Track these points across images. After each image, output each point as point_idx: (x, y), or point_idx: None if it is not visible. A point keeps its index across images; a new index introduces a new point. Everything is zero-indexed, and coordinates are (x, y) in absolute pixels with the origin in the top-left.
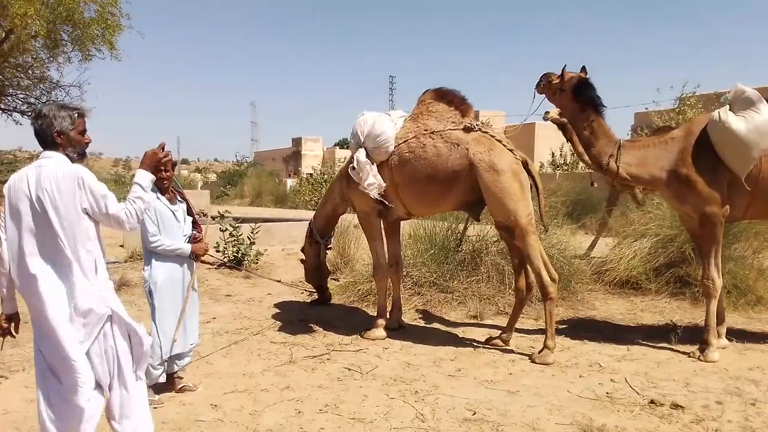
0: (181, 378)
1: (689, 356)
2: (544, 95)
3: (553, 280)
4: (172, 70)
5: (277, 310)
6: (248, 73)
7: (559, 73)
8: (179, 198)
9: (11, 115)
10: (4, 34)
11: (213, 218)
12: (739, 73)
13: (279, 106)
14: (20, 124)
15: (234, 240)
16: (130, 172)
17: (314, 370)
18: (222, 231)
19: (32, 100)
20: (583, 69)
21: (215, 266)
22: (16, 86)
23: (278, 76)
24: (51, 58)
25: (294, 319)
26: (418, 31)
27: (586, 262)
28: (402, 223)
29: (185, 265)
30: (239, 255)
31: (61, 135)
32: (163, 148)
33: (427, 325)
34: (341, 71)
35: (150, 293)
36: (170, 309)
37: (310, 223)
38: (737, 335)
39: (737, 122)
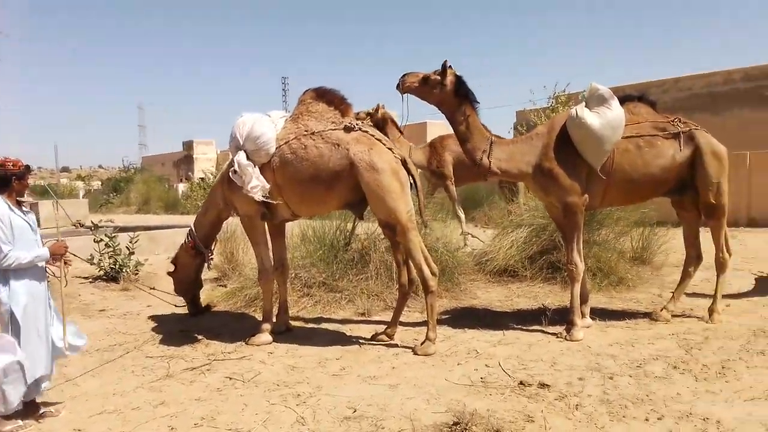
0: (40, 405)
1: (557, 337)
2: (409, 94)
3: (433, 273)
4: (48, 74)
5: (156, 323)
6: (135, 75)
7: (440, 69)
8: (26, 207)
9: None
10: None
11: (87, 228)
12: (609, 73)
13: (169, 109)
14: None
15: (110, 251)
16: None
17: (192, 383)
18: (96, 242)
19: None
20: (445, 64)
21: (90, 279)
22: None
23: (168, 77)
24: None
25: (174, 330)
26: (314, 33)
27: (468, 254)
28: (291, 224)
29: (44, 281)
30: (116, 267)
31: None
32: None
33: (316, 326)
34: (235, 72)
35: (11, 316)
36: (34, 329)
37: (189, 232)
38: (600, 314)
39: (592, 118)
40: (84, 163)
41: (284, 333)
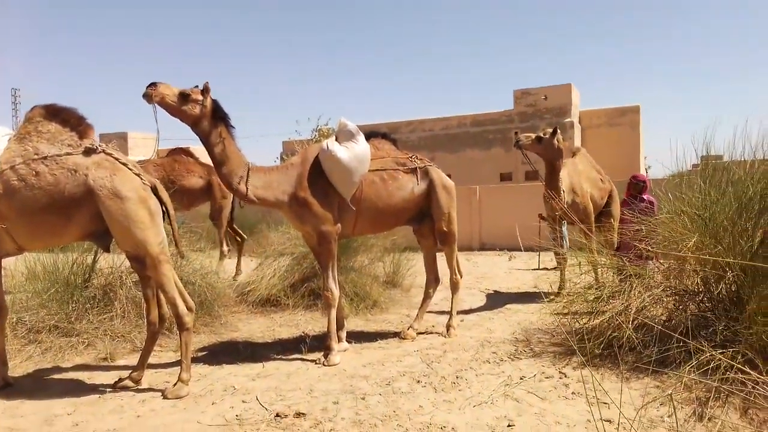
0: None
1: (316, 363)
2: (157, 107)
3: (189, 309)
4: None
5: None
6: None
7: (202, 87)
8: None
9: None
10: None
11: None
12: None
13: None
14: None
15: None
16: None
17: None
18: None
19: None
20: (206, 84)
21: None
22: None
23: None
24: None
25: None
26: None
27: (230, 285)
28: (13, 258)
29: None
30: None
31: None
32: None
33: (44, 377)
34: None
35: None
36: None
37: None
38: (356, 337)
39: (341, 151)
40: None
41: (3, 389)
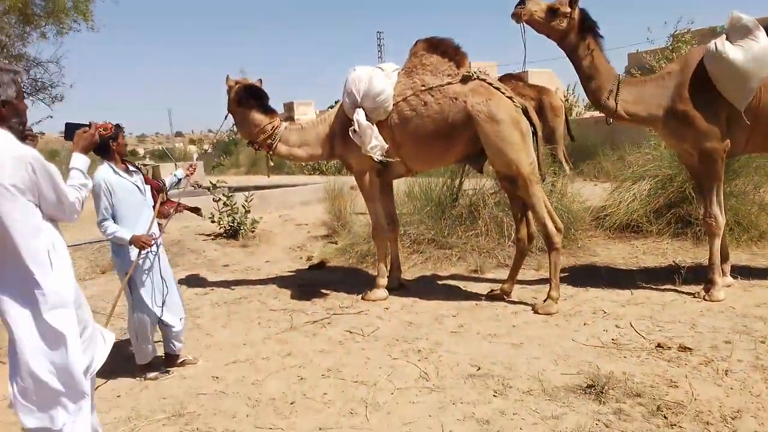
0: (179, 355)
1: (694, 296)
2: (527, 26)
3: (558, 230)
4: (157, 40)
5: (276, 277)
6: (236, 39)
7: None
8: (132, 167)
9: None
10: None
11: (205, 188)
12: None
13: (269, 72)
14: None
15: (228, 209)
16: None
17: (315, 335)
18: (215, 201)
19: None
20: None
21: (212, 237)
22: None
23: (264, 43)
24: (24, 35)
25: (293, 285)
26: None
27: (584, 209)
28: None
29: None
30: (235, 224)
31: (6, 105)
32: (95, 128)
33: (428, 283)
34: (329, 31)
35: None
36: (149, 284)
37: None
38: (742, 272)
39: (734, 52)
40: (195, 127)
41: (398, 289)
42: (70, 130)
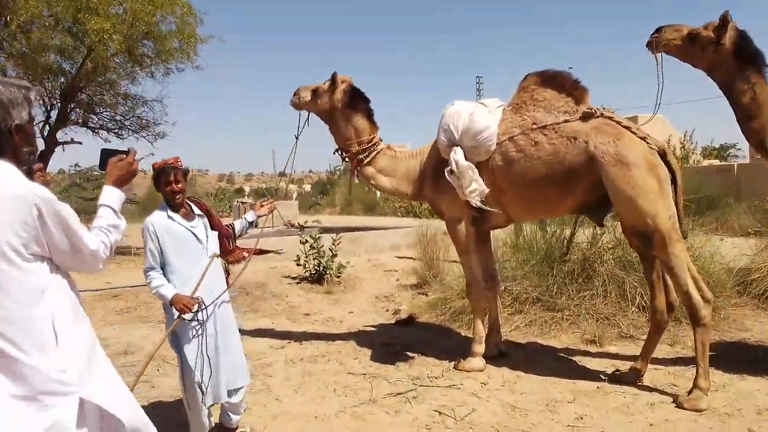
0: (235, 429)
1: None
2: (661, 55)
3: (706, 301)
4: (264, 81)
5: (358, 332)
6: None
7: (717, 21)
8: (197, 211)
9: (98, 133)
10: (86, 52)
11: (295, 228)
12: None
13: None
14: (108, 141)
15: (315, 252)
16: (233, 185)
17: (398, 413)
18: (302, 243)
19: (118, 117)
20: (725, 16)
21: (297, 280)
22: (101, 104)
23: (365, 83)
24: (132, 74)
25: (376, 343)
26: (504, 27)
27: (726, 270)
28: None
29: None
30: (320, 268)
31: (19, 131)
32: (133, 156)
33: (534, 352)
34: (425, 73)
35: (173, 340)
36: (194, 347)
37: None
38: None
39: None
40: (297, 167)
41: (497, 358)
42: (105, 157)
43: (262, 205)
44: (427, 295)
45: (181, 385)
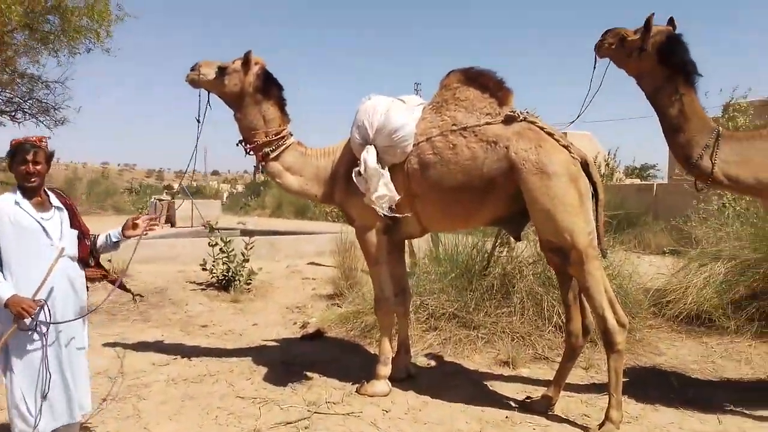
0: None
1: None
2: (607, 59)
3: (621, 325)
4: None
5: (258, 348)
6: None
7: (642, 26)
8: (57, 203)
9: None
10: None
11: (205, 227)
12: None
13: (304, 117)
14: (3, 125)
15: (225, 256)
16: (163, 182)
17: None
18: (211, 246)
19: (16, 99)
20: (671, 21)
21: (203, 287)
22: None
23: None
24: (34, 52)
25: (276, 360)
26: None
27: (642, 290)
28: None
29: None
30: (229, 274)
31: None
32: None
33: (445, 374)
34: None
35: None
36: (27, 370)
37: None
38: None
39: None
40: (232, 167)
41: (405, 380)
42: None
43: (135, 223)
44: (340, 306)
45: (8, 407)
